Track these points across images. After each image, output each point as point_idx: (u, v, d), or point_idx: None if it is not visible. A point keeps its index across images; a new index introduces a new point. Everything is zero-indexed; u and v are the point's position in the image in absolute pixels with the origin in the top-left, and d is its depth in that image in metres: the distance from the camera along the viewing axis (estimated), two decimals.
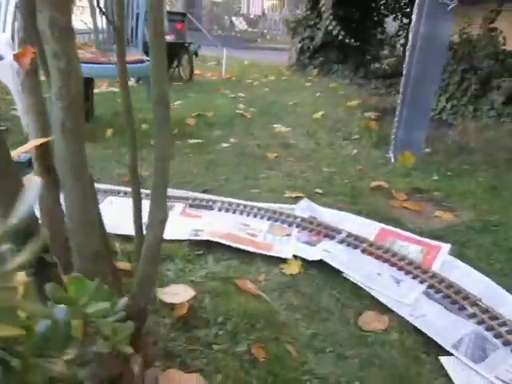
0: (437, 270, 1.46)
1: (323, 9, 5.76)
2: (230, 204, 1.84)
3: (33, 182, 0.46)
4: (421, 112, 2.55)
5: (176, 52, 5.00)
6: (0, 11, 2.45)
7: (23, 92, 0.88)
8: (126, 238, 1.42)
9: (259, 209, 1.80)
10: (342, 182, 2.26)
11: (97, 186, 1.04)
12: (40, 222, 0.80)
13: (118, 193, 1.88)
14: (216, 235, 1.55)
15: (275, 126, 3.25)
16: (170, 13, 5.20)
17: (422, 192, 2.20)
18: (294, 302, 1.28)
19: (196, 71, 5.80)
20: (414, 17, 2.52)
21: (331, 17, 5.65)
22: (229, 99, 4.16)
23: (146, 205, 0.98)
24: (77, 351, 0.50)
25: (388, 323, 1.22)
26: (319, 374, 1.04)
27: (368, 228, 1.72)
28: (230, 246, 1.52)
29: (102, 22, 2.88)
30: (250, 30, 15.26)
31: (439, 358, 1.11)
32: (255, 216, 1.77)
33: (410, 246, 1.60)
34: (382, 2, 6.61)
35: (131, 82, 4.62)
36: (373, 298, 1.32)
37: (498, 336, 1.18)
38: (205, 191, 1.99)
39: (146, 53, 2.77)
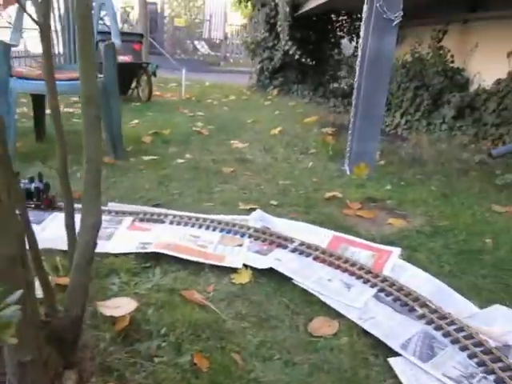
0: (388, 274, 1.46)
1: (280, 29, 5.89)
2: (182, 217, 1.80)
3: None
4: (373, 123, 2.60)
5: (134, 73, 4.97)
6: None
7: None
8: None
9: (211, 221, 1.77)
10: (296, 193, 2.26)
11: None
12: None
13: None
14: (164, 247, 1.51)
15: (232, 142, 3.25)
16: (127, 33, 5.19)
17: (375, 201, 2.22)
18: (243, 311, 1.25)
19: (156, 92, 5.78)
20: (362, 32, 2.60)
21: (287, 37, 5.77)
22: (187, 118, 4.15)
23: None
24: None
25: (338, 328, 1.20)
26: (265, 381, 1.00)
27: (320, 236, 1.71)
28: (179, 259, 1.48)
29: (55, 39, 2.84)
30: (213, 53, 15.43)
31: (388, 359, 1.09)
32: (207, 228, 1.73)
33: (362, 252, 1.60)
34: (337, 25, 6.81)
35: None
36: (323, 303, 1.30)
37: (446, 335, 1.18)
38: (156, 205, 1.94)
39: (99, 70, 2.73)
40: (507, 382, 1.02)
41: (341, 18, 6.71)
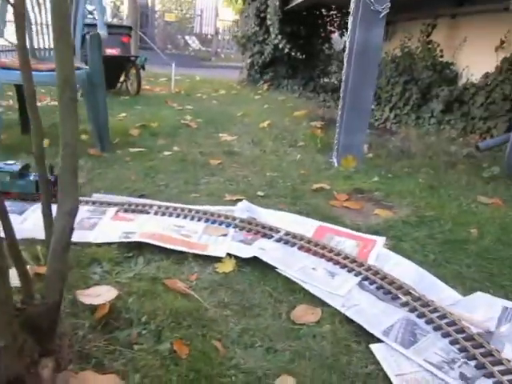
0: (372, 263, 1.46)
1: (269, 23, 5.87)
2: (167, 208, 1.78)
3: None
4: (360, 116, 2.59)
5: (123, 66, 4.93)
6: None
7: None
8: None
9: (196, 211, 1.76)
10: (284, 185, 2.25)
11: None
12: None
13: None
14: (147, 236, 1.49)
15: (221, 135, 3.23)
16: (115, 26, 5.14)
17: (362, 192, 2.22)
18: (225, 299, 1.24)
19: (146, 86, 5.74)
20: (349, 25, 2.59)
21: (277, 31, 5.76)
22: (175, 111, 4.12)
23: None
24: None
25: (321, 315, 1.20)
26: (246, 368, 1.00)
27: (306, 226, 1.70)
28: (162, 248, 1.46)
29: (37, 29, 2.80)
30: (204, 49, 15.36)
31: (370, 345, 1.09)
32: (192, 218, 1.72)
33: (347, 241, 1.60)
34: (328, 19, 6.80)
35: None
36: (307, 292, 1.30)
37: (429, 322, 1.18)
38: (141, 196, 1.93)
39: (86, 62, 2.70)
40: (488, 367, 1.02)
41: (331, 12, 6.70)
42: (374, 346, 1.08)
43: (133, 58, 4.98)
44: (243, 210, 1.82)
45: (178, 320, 1.12)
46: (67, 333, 1.03)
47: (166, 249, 1.46)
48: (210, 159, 2.59)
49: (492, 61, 3.70)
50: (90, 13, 4.17)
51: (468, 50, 4.24)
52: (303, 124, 3.77)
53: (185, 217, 1.73)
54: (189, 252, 1.45)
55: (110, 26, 4.77)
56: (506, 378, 0.98)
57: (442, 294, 1.32)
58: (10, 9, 0.88)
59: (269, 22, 5.99)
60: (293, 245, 1.56)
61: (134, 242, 1.47)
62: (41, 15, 2.88)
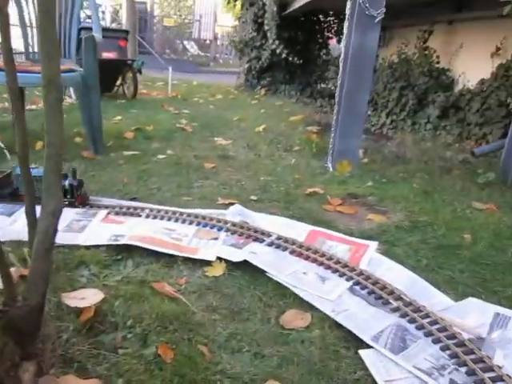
0: (364, 268, 1.44)
1: (267, 28, 5.88)
2: (158, 211, 1.77)
3: None
4: (356, 120, 2.59)
5: (119, 69, 4.92)
6: None
7: None
8: None
9: (188, 215, 1.74)
10: (277, 189, 2.24)
11: None
12: None
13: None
14: (137, 239, 1.47)
15: (216, 139, 3.22)
16: (112, 30, 5.14)
17: (356, 197, 2.21)
18: (214, 303, 1.22)
19: (143, 91, 5.74)
20: (345, 29, 2.59)
21: (275, 36, 5.77)
22: (171, 115, 4.11)
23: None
24: None
25: (310, 320, 1.18)
26: (232, 373, 0.98)
27: (298, 230, 1.69)
28: (152, 251, 1.45)
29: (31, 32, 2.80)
30: (203, 54, 15.38)
31: (359, 351, 1.07)
32: (183, 222, 1.70)
33: (339, 246, 1.58)
34: (325, 25, 6.81)
35: (71, 99, 4.49)
36: (297, 296, 1.28)
37: (419, 327, 1.16)
38: (133, 199, 1.91)
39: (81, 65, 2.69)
40: (479, 373, 1.00)
41: (329, 18, 6.72)
42: (363, 352, 1.06)
43: (129, 62, 4.98)
44: (235, 213, 1.80)
45: (164, 324, 1.10)
46: (51, 336, 1.01)
47: (155, 252, 1.44)
48: (205, 163, 2.57)
49: (488, 67, 3.71)
50: (89, 17, 4.17)
51: (464, 57, 4.25)
52: (299, 129, 3.76)
53: (176, 220, 1.71)
54: (179, 255, 1.43)
55: (107, 30, 4.79)
56: None
57: (433, 299, 1.31)
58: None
59: (266, 28, 6.00)
60: (284, 249, 1.55)
61: (123, 244, 1.46)
62: (36, 17, 2.87)
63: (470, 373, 1.02)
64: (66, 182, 1.75)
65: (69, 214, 1.67)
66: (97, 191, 1.98)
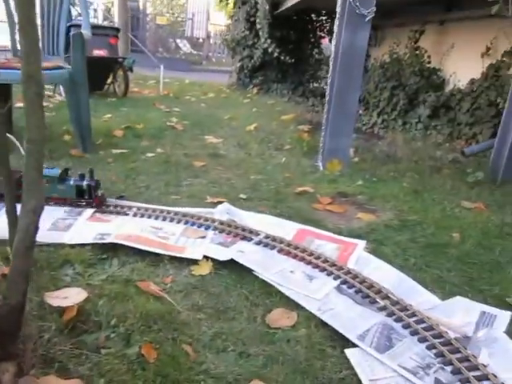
0: (352, 266, 1.44)
1: (259, 27, 5.86)
2: (146, 209, 1.75)
3: None
4: (346, 119, 2.58)
5: (110, 67, 4.88)
6: None
7: None
8: None
9: (175, 213, 1.73)
10: (267, 188, 2.23)
11: None
12: None
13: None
14: (123, 238, 1.46)
15: (207, 137, 3.21)
16: (102, 27, 5.10)
17: (346, 196, 2.21)
18: (200, 302, 1.21)
19: (134, 89, 5.70)
20: (335, 28, 2.58)
21: (267, 35, 5.76)
22: (162, 113, 4.08)
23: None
24: None
25: (296, 319, 1.17)
26: (216, 373, 0.97)
27: (286, 229, 1.68)
28: (138, 250, 1.43)
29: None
30: (195, 52, 15.32)
31: (345, 350, 1.06)
32: (171, 220, 1.69)
33: (327, 245, 1.58)
34: (317, 25, 6.81)
35: (61, 97, 4.45)
36: (283, 295, 1.27)
37: (406, 326, 1.16)
38: (120, 197, 1.89)
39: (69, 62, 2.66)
40: (464, 372, 1.00)
41: (321, 17, 6.71)
42: (348, 351, 1.06)
43: (120, 60, 4.94)
44: (223, 212, 1.79)
45: (148, 323, 1.08)
46: (32, 336, 0.99)
47: (141, 251, 1.43)
48: (194, 161, 2.56)
49: (478, 67, 3.72)
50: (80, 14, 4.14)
51: (455, 56, 4.26)
52: (290, 128, 3.75)
53: (164, 219, 1.69)
54: (165, 254, 1.42)
55: (97, 27, 4.75)
56: (481, 383, 0.97)
57: (420, 298, 1.30)
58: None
59: (258, 26, 5.99)
60: (272, 248, 1.54)
61: (109, 243, 1.44)
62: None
63: (456, 372, 1.01)
64: (84, 183, 1.73)
65: (55, 213, 1.65)
66: None
